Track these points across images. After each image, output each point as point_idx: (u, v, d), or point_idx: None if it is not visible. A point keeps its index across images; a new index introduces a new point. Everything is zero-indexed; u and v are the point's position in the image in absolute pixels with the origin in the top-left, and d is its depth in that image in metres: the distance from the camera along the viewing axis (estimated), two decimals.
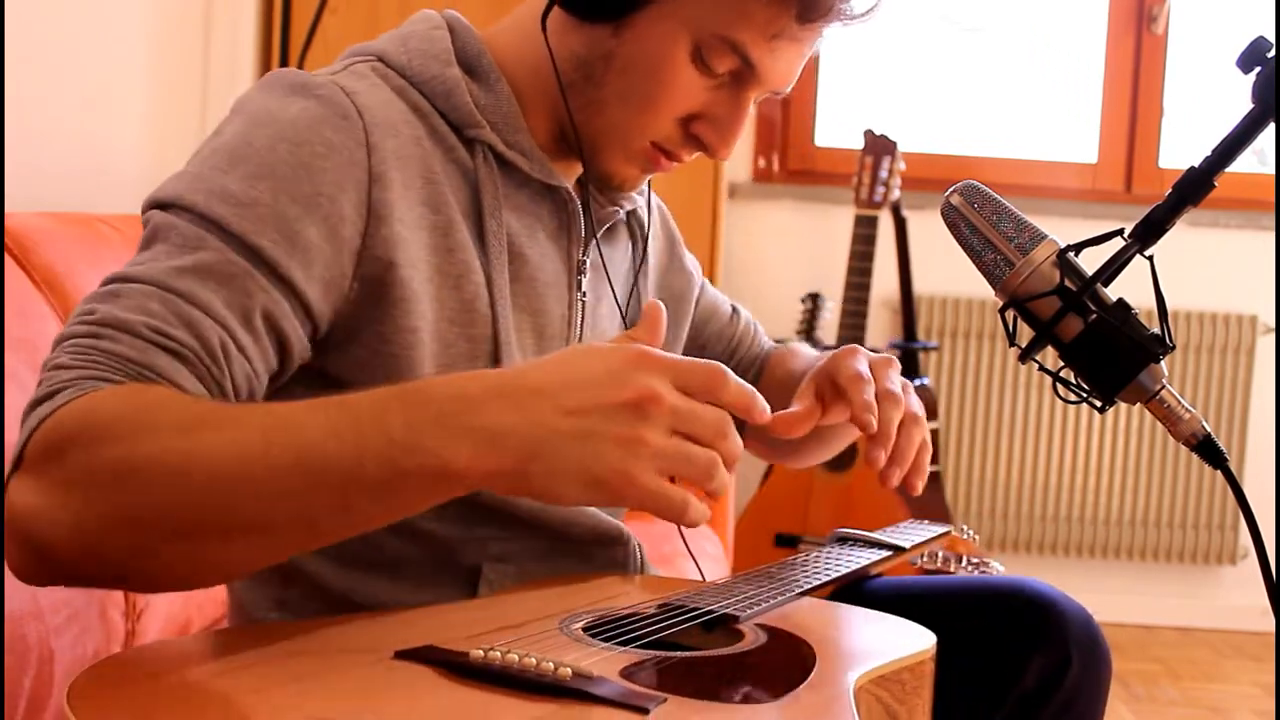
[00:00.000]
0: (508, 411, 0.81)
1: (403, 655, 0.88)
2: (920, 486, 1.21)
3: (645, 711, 0.82)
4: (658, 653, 0.94)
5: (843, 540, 1.38)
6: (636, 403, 0.81)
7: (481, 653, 0.87)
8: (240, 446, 0.83)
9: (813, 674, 0.94)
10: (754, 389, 0.89)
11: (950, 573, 1.36)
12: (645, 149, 1.16)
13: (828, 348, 3.22)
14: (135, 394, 0.88)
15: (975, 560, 1.37)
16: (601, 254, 1.25)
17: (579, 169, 1.22)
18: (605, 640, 0.96)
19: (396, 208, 1.06)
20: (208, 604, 1.61)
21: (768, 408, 0.89)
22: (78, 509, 0.84)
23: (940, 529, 1.47)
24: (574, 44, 1.14)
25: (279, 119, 1.04)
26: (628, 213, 1.30)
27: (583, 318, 1.22)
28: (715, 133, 1.15)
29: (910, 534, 1.42)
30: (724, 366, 0.86)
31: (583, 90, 1.15)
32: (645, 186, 1.30)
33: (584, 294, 1.22)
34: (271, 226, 1.00)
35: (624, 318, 1.29)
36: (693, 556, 1.35)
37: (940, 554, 1.39)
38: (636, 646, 0.95)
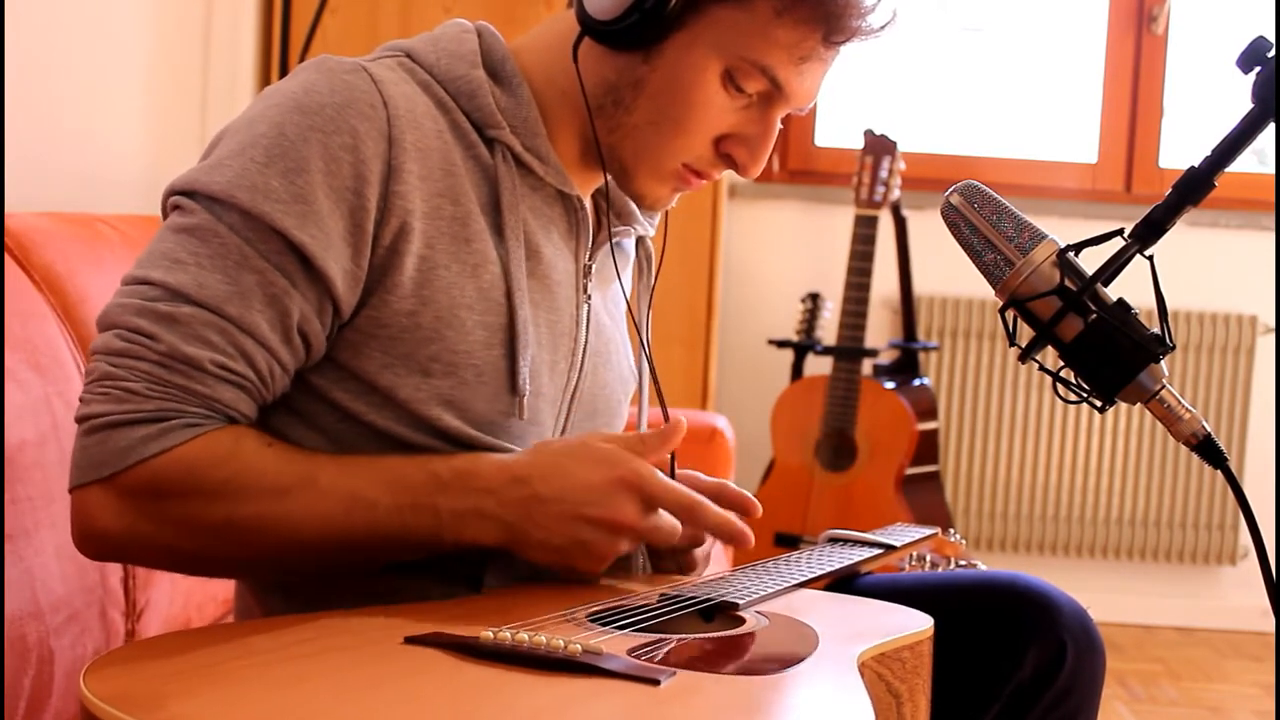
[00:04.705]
0: (519, 513, 1.07)
1: (413, 640, 0.90)
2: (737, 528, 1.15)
3: (656, 683, 0.83)
4: (664, 634, 0.96)
5: (834, 540, 1.40)
6: (611, 524, 1.07)
7: (491, 634, 0.89)
8: (325, 518, 1.06)
9: (817, 649, 0.96)
10: (731, 518, 1.11)
11: None
12: (677, 170, 1.19)
13: (827, 348, 3.24)
14: (229, 455, 1.05)
15: (962, 564, 1.41)
16: (616, 264, 1.28)
17: (599, 180, 1.24)
18: (609, 625, 0.98)
19: (411, 199, 1.10)
20: (208, 604, 1.61)
21: (749, 535, 1.12)
22: (171, 542, 1.06)
23: (927, 531, 1.49)
24: (604, 71, 1.17)
25: (306, 106, 1.08)
26: (637, 240, 1.34)
27: (588, 320, 1.24)
28: (747, 151, 1.18)
29: (899, 535, 1.44)
30: (704, 501, 1.09)
31: (612, 114, 1.18)
32: (660, 216, 1.33)
33: (589, 296, 1.24)
34: (312, 223, 1.06)
35: (639, 334, 1.32)
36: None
37: (928, 557, 1.42)
38: (639, 631, 0.97)
